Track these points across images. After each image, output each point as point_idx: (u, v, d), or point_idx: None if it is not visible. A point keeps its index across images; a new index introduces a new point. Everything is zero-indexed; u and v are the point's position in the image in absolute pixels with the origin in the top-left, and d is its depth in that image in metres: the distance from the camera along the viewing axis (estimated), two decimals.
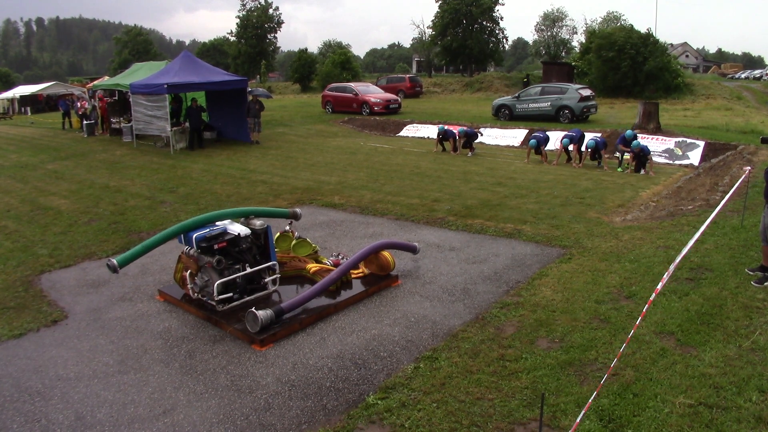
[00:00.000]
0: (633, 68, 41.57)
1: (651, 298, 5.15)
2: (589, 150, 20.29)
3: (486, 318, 7.92)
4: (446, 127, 25.03)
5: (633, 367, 6.26)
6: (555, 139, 22.97)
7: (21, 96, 60.62)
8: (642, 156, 18.86)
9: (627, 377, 6.09)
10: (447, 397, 6.05)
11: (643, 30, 44.41)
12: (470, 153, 23.12)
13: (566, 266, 9.68)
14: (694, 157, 20.50)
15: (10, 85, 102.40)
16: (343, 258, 9.92)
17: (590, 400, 4.95)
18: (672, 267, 5.22)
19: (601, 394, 5.76)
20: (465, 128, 24.35)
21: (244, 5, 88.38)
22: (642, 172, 18.71)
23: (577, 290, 8.62)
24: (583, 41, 56.22)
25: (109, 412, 6.12)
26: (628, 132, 20.13)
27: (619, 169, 19.32)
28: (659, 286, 5.06)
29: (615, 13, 79.39)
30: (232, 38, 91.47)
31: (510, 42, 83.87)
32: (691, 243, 5.84)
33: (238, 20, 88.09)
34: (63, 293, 9.60)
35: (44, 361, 7.37)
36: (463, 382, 6.32)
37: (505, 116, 31.19)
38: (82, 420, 6.01)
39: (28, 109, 57.80)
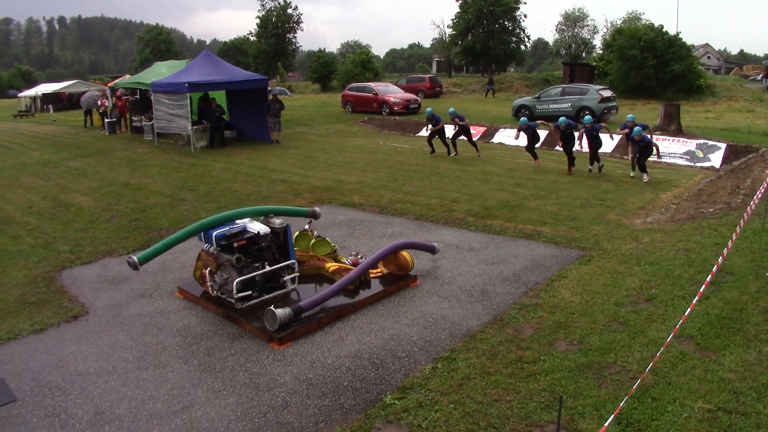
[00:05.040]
0: (657, 69, 41.26)
1: (694, 302, 5.11)
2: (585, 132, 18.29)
3: (504, 319, 7.90)
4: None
5: (652, 370, 6.23)
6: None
7: (43, 94, 61.06)
8: (643, 147, 16.61)
9: (646, 381, 6.04)
10: (464, 398, 6.05)
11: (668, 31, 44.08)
12: (477, 154, 21.96)
13: (585, 268, 9.63)
14: (716, 159, 20.31)
15: (32, 83, 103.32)
16: (361, 257, 9.93)
17: (619, 406, 4.93)
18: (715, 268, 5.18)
19: (620, 398, 5.73)
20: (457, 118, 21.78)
21: (263, 5, 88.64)
22: (645, 178, 16.85)
23: (596, 292, 8.58)
24: (606, 40, 55.79)
25: (128, 408, 6.18)
26: (630, 116, 17.91)
27: (633, 174, 17.71)
28: (702, 289, 5.02)
29: (636, 13, 78.74)
30: (253, 38, 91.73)
31: (530, 42, 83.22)
32: (725, 251, 5.79)
33: (258, 20, 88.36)
34: (84, 289, 9.69)
35: (64, 356, 7.45)
36: (480, 383, 6.32)
37: (526, 116, 31.00)
38: (101, 415, 6.06)
39: (50, 107, 58.22)
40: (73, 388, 6.65)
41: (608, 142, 22.93)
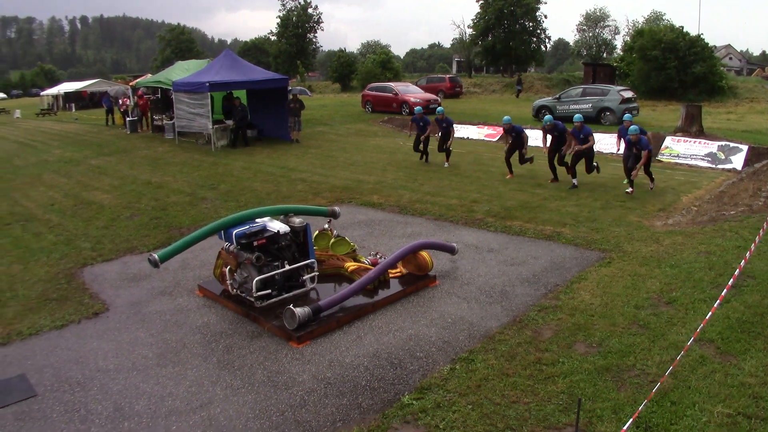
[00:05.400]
0: (679, 70, 40.95)
1: (715, 306, 5.08)
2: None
3: (523, 321, 7.87)
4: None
5: (671, 374, 6.18)
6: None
7: (65, 93, 61.60)
8: (639, 148, 14.43)
9: (665, 385, 6.00)
10: (482, 399, 6.04)
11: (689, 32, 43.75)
12: (446, 164, 19.87)
13: (606, 270, 9.58)
14: (737, 161, 20.12)
15: (54, 81, 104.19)
16: (381, 257, 9.93)
17: (638, 410, 4.90)
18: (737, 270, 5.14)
19: (639, 401, 5.69)
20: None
21: (284, 5, 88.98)
22: (629, 189, 15.12)
23: (616, 295, 8.53)
24: (627, 41, 55.47)
25: (147, 404, 6.22)
26: (627, 116, 15.82)
27: (625, 182, 15.72)
28: (723, 293, 4.99)
29: (658, 13, 78.29)
30: (273, 37, 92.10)
31: (551, 43, 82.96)
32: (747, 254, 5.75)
33: (278, 20, 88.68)
34: (104, 286, 9.76)
35: (85, 352, 7.50)
36: (499, 384, 6.30)
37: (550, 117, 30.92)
38: (121, 411, 6.11)
39: (72, 105, 58.70)
40: (93, 384, 6.70)
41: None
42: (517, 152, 17.51)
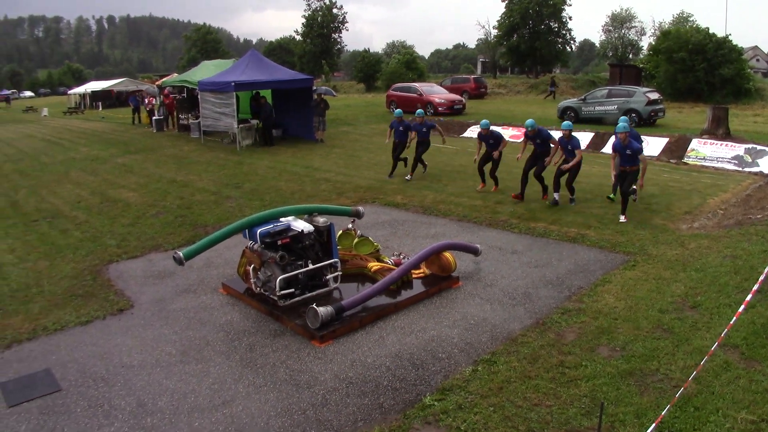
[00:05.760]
0: (707, 72, 40.54)
1: (740, 310, 5.02)
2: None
3: (546, 323, 7.83)
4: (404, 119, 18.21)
5: (695, 379, 6.12)
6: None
7: (92, 91, 62.26)
8: (632, 154, 12.56)
9: (689, 390, 5.94)
10: (504, 401, 6.02)
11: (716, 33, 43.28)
12: (408, 176, 17.58)
13: (630, 273, 9.51)
14: (765, 164, 19.87)
15: (82, 80, 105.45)
16: (404, 257, 9.93)
17: (661, 415, 4.86)
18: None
19: (662, 406, 5.64)
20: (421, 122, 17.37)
21: (309, 5, 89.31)
22: (622, 219, 12.56)
23: (640, 298, 8.46)
24: (653, 42, 54.97)
25: (170, 401, 6.26)
26: (622, 121, 13.19)
27: (611, 196, 14.27)
28: (748, 298, 4.93)
29: (685, 14, 77.58)
30: (298, 37, 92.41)
31: (576, 43, 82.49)
32: None
33: (303, 20, 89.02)
34: (129, 283, 9.84)
35: (109, 348, 7.57)
36: (521, 387, 6.28)
37: (571, 119, 30.67)
38: (144, 407, 6.16)
39: (99, 104, 59.30)
40: (116, 380, 6.76)
41: (655, 145, 22.63)
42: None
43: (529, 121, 14.40)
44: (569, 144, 13.68)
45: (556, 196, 14.05)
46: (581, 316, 7.97)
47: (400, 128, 17.85)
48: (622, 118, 13.74)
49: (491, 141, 15.51)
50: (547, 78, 59.02)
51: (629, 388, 6.17)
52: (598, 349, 7.07)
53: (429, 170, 18.36)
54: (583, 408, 5.85)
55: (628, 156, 12.62)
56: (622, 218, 12.51)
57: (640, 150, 12.67)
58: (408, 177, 17.56)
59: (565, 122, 13.94)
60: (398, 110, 18.57)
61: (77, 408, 6.22)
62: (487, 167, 15.77)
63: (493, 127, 15.54)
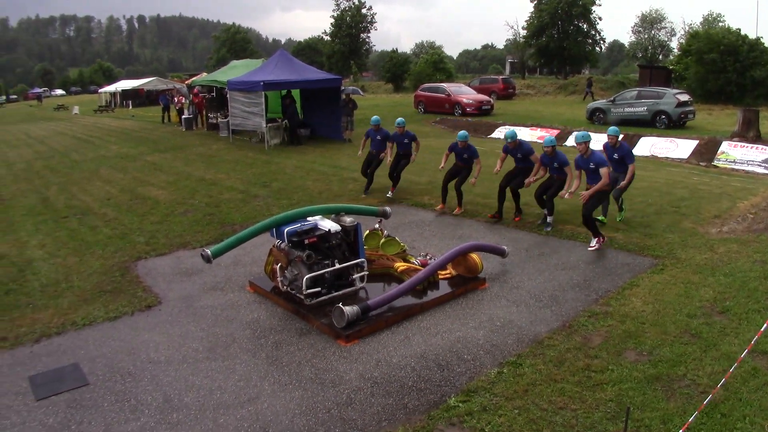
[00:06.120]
0: (738, 73, 39.99)
1: None
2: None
3: (573, 326, 7.78)
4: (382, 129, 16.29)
5: (722, 385, 6.04)
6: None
7: (123, 90, 62.97)
8: (621, 155, 11.71)
9: (716, 396, 5.86)
10: (529, 404, 5.98)
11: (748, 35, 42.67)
12: (390, 193, 15.71)
13: (658, 277, 9.41)
14: None
15: (112, 79, 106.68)
16: (431, 258, 9.92)
17: (688, 421, 4.81)
18: None
19: (688, 412, 5.58)
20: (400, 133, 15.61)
21: (338, 5, 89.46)
22: (594, 244, 10.91)
23: (668, 302, 8.37)
24: (683, 43, 54.31)
25: (196, 397, 6.31)
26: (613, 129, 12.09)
27: (619, 218, 12.71)
28: None
29: (714, 15, 76.52)
30: (327, 37, 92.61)
31: (605, 44, 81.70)
32: None
33: (332, 20, 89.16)
34: (157, 280, 9.93)
35: (137, 344, 7.65)
36: (546, 390, 6.24)
37: (600, 120, 30.48)
38: (170, 402, 6.21)
39: (129, 102, 59.91)
40: (143, 375, 6.83)
41: (685, 147, 22.40)
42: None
43: (509, 132, 12.94)
44: (554, 161, 11.93)
45: (549, 219, 12.31)
46: (608, 320, 7.90)
47: (378, 137, 15.95)
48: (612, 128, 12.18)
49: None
50: (576, 79, 58.63)
51: (656, 393, 6.10)
52: (625, 353, 7.01)
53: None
54: (608, 412, 5.80)
55: (592, 171, 11.19)
56: (594, 244, 10.83)
57: (605, 163, 11.08)
58: (389, 194, 15.71)
59: (548, 137, 12.18)
60: (375, 117, 16.36)
61: (104, 402, 6.28)
62: (453, 183, 14.01)
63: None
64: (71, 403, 6.30)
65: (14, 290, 9.68)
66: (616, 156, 11.98)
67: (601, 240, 10.77)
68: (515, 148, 12.77)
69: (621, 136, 11.76)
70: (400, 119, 15.55)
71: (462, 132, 13.67)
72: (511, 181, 12.94)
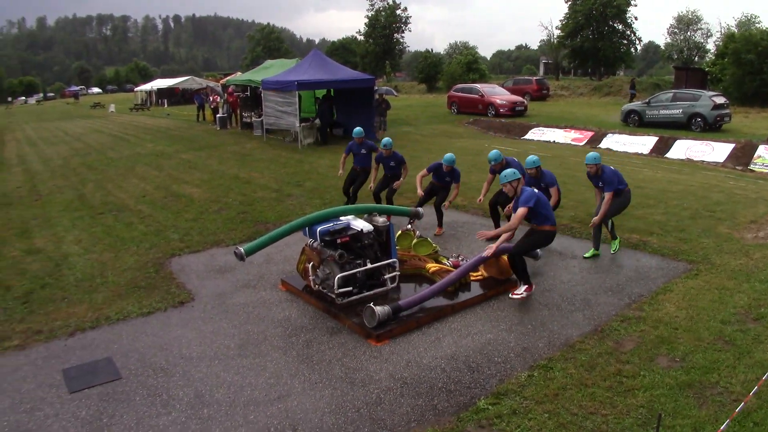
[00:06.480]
0: None
1: None
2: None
3: (605, 331, 7.71)
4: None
5: (755, 393, 5.94)
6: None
7: (158, 89, 63.62)
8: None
9: (749, 404, 5.78)
10: (559, 408, 5.94)
11: None
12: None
13: (692, 282, 9.29)
14: None
15: (148, 78, 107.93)
16: (463, 259, 9.89)
17: (720, 429, 4.75)
18: None
19: (720, 420, 5.50)
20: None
21: (372, 5, 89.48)
22: (522, 291, 8.67)
23: (702, 308, 8.27)
24: (719, 45, 53.45)
25: (226, 393, 6.36)
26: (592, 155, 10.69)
27: (613, 249, 10.99)
28: None
29: (749, 15, 75.14)
30: (360, 37, 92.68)
31: (641, 45, 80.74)
32: None
33: (366, 20, 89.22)
34: (191, 277, 10.02)
35: (169, 339, 7.72)
36: (577, 394, 6.19)
37: (635, 122, 30.18)
38: (201, 398, 6.26)
39: (165, 101, 60.50)
40: (175, 371, 6.90)
41: (721, 151, 22.12)
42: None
43: (493, 153, 11.40)
44: (540, 182, 10.81)
45: (539, 251, 10.39)
46: (641, 325, 7.83)
47: (362, 151, 14.02)
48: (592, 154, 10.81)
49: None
50: (610, 80, 57.98)
51: (688, 400, 6.03)
52: (657, 359, 6.94)
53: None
54: (639, 418, 5.74)
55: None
56: (522, 291, 8.69)
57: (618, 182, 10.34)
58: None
59: (530, 157, 10.90)
60: (358, 129, 14.18)
61: (136, 396, 6.36)
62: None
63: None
64: (104, 396, 6.39)
65: (50, 284, 9.82)
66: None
67: (530, 289, 8.78)
68: (502, 168, 10.28)
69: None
70: (386, 140, 13.09)
71: (449, 155, 12.13)
72: (499, 197, 11.72)
